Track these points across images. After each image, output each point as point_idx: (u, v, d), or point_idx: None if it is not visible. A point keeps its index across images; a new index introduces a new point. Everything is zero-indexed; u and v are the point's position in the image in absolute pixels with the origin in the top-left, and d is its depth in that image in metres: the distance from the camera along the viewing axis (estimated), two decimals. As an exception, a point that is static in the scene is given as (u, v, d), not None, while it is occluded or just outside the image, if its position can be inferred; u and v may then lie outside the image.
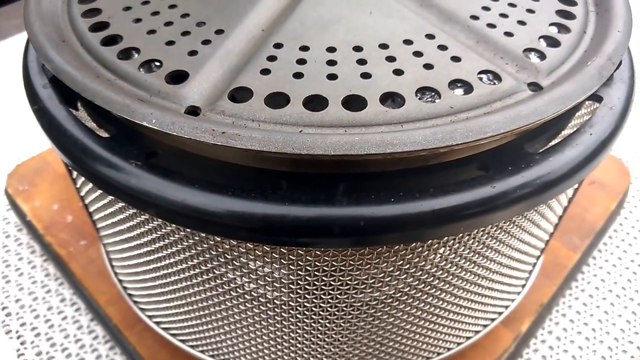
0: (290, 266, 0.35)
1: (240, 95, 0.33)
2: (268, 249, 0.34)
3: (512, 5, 0.40)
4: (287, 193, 0.30)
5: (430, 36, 0.37)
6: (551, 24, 0.39)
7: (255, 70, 0.34)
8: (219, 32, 0.37)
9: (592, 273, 0.67)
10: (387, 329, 0.42)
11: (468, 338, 0.49)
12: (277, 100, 0.32)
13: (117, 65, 0.35)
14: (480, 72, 0.34)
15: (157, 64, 0.35)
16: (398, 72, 0.34)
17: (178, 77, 0.34)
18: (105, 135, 0.35)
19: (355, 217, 0.30)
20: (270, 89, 0.32)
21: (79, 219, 0.63)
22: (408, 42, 0.36)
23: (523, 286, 0.53)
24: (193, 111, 0.32)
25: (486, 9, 0.40)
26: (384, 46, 0.36)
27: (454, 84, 0.33)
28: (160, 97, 0.33)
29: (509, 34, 0.37)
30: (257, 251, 0.35)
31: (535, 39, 0.37)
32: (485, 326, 0.49)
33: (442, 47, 0.36)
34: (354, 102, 0.32)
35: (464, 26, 0.38)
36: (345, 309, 0.39)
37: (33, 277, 0.64)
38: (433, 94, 0.33)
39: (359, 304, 0.38)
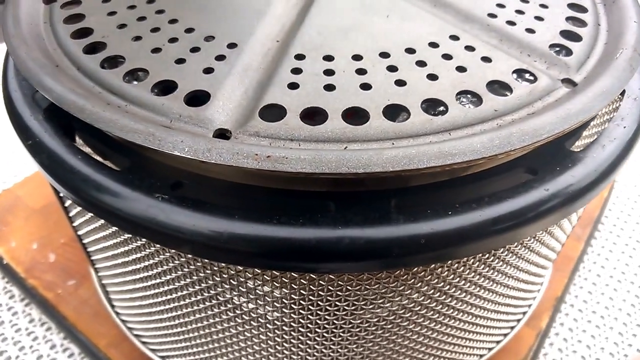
0: (302, 290, 0.32)
1: (271, 113, 0.30)
2: (278, 273, 0.32)
3: (524, 1, 0.40)
4: (338, 215, 0.28)
5: (454, 37, 0.35)
6: (567, 18, 0.38)
7: (282, 84, 0.31)
8: (232, 46, 0.34)
9: (591, 261, 0.68)
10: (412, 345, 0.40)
11: (498, 342, 0.48)
12: (313, 115, 0.30)
13: (125, 90, 0.31)
14: (515, 72, 0.33)
15: (171, 85, 0.31)
16: (432, 77, 0.32)
17: (198, 98, 0.31)
18: (115, 168, 0.32)
19: (416, 234, 0.27)
20: (304, 104, 0.30)
21: (62, 257, 0.58)
22: (434, 44, 0.35)
23: (542, 283, 0.52)
24: (222, 134, 0.29)
25: (501, 6, 0.39)
26: (410, 50, 0.34)
27: (491, 85, 0.32)
28: (183, 121, 0.29)
29: (530, 31, 0.36)
30: (265, 276, 0.32)
31: (556, 34, 0.36)
32: (512, 328, 0.49)
33: (469, 48, 0.35)
34: (394, 112, 0.30)
35: (484, 25, 0.37)
36: (367, 328, 0.37)
37: (16, 325, 0.58)
38: (474, 98, 0.31)
39: (384, 322, 0.36)
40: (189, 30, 0.35)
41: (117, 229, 0.34)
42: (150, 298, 0.40)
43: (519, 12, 0.38)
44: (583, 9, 0.40)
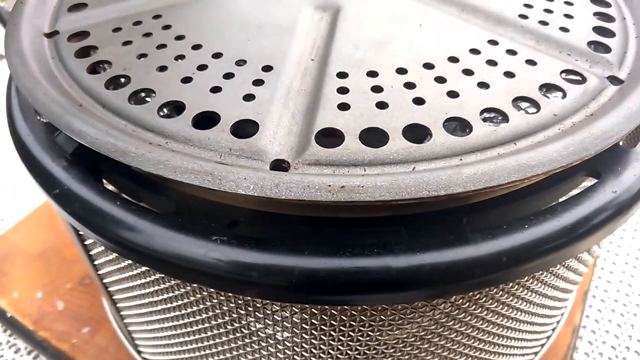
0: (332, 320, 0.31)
1: (326, 138, 0.28)
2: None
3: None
4: (413, 241, 0.26)
5: (493, 42, 0.34)
6: (595, 14, 0.38)
7: (332, 106, 0.29)
8: (267, 68, 0.32)
9: (604, 249, 0.69)
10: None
11: (542, 345, 0.47)
12: (372, 137, 0.28)
13: (163, 126, 0.29)
14: (562, 73, 0.32)
15: (212, 116, 0.29)
16: (483, 85, 0.31)
17: (244, 129, 0.29)
18: (156, 211, 0.29)
19: (497, 252, 0.26)
20: (361, 125, 0.28)
21: (71, 303, 0.55)
22: (475, 51, 0.33)
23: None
24: (279, 166, 0.27)
25: (528, 6, 0.38)
26: (453, 59, 0.33)
27: (544, 89, 0.31)
28: (234, 155, 0.27)
29: (564, 29, 0.36)
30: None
31: (590, 31, 0.36)
32: (554, 330, 0.48)
33: (511, 52, 0.34)
34: (454, 126, 0.29)
35: (517, 27, 0.36)
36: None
37: (27, 382, 0.54)
38: (530, 103, 0.30)
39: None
40: (217, 56, 0.33)
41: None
42: (185, 336, 0.37)
43: (548, 11, 0.38)
44: (607, 4, 0.39)
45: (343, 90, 0.30)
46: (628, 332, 0.60)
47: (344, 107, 0.29)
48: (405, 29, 0.35)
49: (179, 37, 0.35)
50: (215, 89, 0.31)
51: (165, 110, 0.30)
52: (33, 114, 0.34)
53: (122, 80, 0.32)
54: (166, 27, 0.36)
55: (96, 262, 0.38)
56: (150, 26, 0.36)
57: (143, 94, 0.31)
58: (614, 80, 0.32)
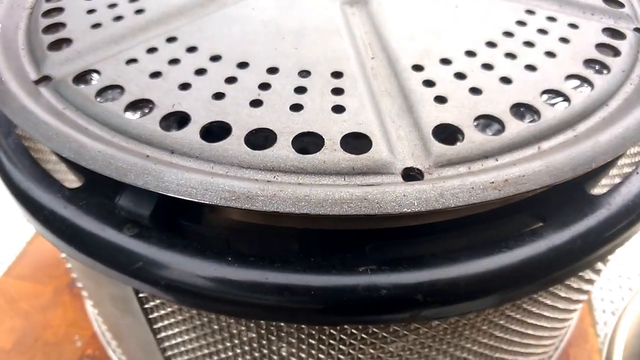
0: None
1: (442, 135, 0.26)
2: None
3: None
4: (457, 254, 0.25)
5: (530, 12, 0.35)
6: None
7: (429, 101, 0.28)
8: (337, 75, 0.29)
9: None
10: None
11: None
12: (487, 125, 0.27)
13: (267, 161, 0.25)
14: (603, 32, 0.34)
15: (316, 138, 0.26)
16: (550, 54, 0.31)
17: (352, 143, 0.26)
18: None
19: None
20: (469, 116, 0.27)
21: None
22: (521, 23, 0.34)
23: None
24: (410, 175, 0.25)
25: (533, -26, 0.39)
26: (508, 34, 0.32)
27: (599, 49, 0.32)
28: (360, 173, 0.24)
29: (576, -10, 0.37)
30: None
31: (596, -11, 0.38)
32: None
33: (551, 19, 0.34)
34: (548, 98, 0.29)
35: (536, -5, 0.37)
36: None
37: None
38: (598, 65, 0.31)
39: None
40: (273, 71, 0.30)
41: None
42: None
43: (551, -24, 0.39)
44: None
45: (429, 83, 0.29)
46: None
47: (441, 100, 0.28)
48: (445, 12, 0.34)
49: (215, 58, 0.31)
50: (297, 107, 0.27)
51: (262, 140, 0.26)
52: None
53: (144, 105, 0.27)
54: (192, 49, 0.31)
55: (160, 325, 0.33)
56: (170, 50, 0.31)
57: (182, 119, 0.27)
58: (638, 31, 0.35)
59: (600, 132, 0.26)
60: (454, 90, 0.28)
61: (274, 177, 0.24)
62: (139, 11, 0.35)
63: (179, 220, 0.26)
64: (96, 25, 0.34)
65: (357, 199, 0.22)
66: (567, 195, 0.27)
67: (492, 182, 0.23)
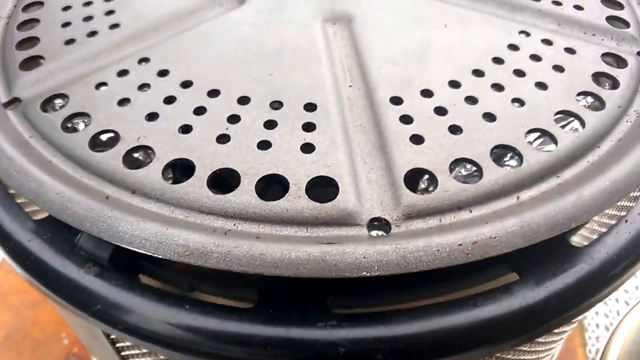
0: None
1: (412, 180, 0.25)
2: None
3: (547, -25, 0.38)
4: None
5: (524, 33, 0.33)
6: (595, -15, 0.37)
7: (404, 141, 0.26)
8: (310, 107, 0.28)
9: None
10: None
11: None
12: (467, 169, 0.26)
13: (224, 204, 0.24)
14: (602, 57, 0.31)
15: (280, 180, 0.25)
16: (541, 85, 0.29)
17: (318, 190, 0.25)
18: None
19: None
20: (447, 159, 0.25)
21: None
22: (514, 47, 0.31)
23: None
24: (377, 227, 0.23)
25: (534, -14, 0.37)
26: (498, 60, 0.30)
27: (596, 79, 0.30)
28: (323, 224, 0.23)
29: (578, 7, 0.35)
30: None
31: (601, 5, 0.35)
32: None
33: (547, 42, 0.32)
34: (535, 138, 0.27)
35: (534, 11, 0.34)
36: None
37: None
38: (592, 98, 0.29)
39: None
40: (244, 101, 0.28)
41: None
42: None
43: (553, -12, 0.36)
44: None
45: (407, 120, 0.27)
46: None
47: (417, 140, 0.26)
48: (432, 33, 0.32)
49: (186, 85, 0.29)
50: (265, 145, 0.26)
51: (213, 182, 0.25)
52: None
53: (146, 153, 0.26)
54: (163, 72, 0.30)
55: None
56: (141, 74, 0.30)
57: (188, 168, 0.26)
58: (643, 55, 0.32)
59: (586, 182, 0.24)
60: (433, 128, 0.27)
61: (234, 225, 0.23)
62: (114, 26, 0.33)
63: (139, 261, 0.26)
64: (70, 42, 0.33)
65: (315, 260, 0.21)
66: (546, 245, 0.26)
67: (460, 245, 0.21)
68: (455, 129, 0.27)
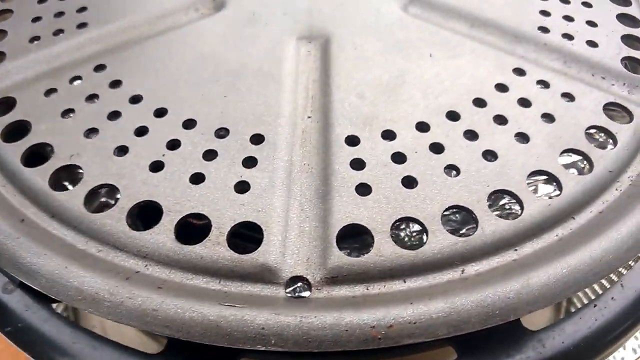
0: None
1: (349, 237, 0.23)
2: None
3: (564, 1, 0.33)
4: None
5: (519, 71, 0.29)
6: (619, 17, 0.33)
7: (349, 190, 0.23)
8: (257, 140, 0.25)
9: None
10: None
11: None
12: (411, 231, 0.23)
13: (138, 242, 0.22)
14: (605, 108, 0.27)
15: (204, 221, 0.23)
16: (523, 137, 0.25)
17: (242, 236, 0.23)
18: None
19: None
20: (390, 217, 0.22)
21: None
22: (502, 87, 0.28)
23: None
24: (296, 287, 0.21)
25: (545, 13, 0.32)
26: (480, 103, 0.27)
27: (590, 134, 0.26)
28: (238, 279, 0.21)
29: (592, 44, 0.31)
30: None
31: (619, 43, 0.31)
32: None
33: (543, 84, 0.28)
34: (499, 202, 0.24)
35: (539, 44, 0.30)
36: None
37: None
38: (580, 157, 0.25)
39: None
40: (189, 125, 0.26)
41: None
42: None
43: (568, 18, 0.32)
44: (626, 1, 0.34)
45: (358, 165, 0.24)
46: None
47: (364, 190, 0.23)
48: (414, 64, 0.29)
49: (135, 100, 0.28)
50: (197, 179, 0.24)
51: (132, 216, 0.23)
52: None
53: (77, 173, 0.25)
54: (115, 83, 0.28)
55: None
56: (93, 83, 0.29)
57: (101, 193, 0.24)
58: (658, 108, 0.28)
59: (544, 263, 0.21)
60: (384, 178, 0.24)
61: (145, 267, 0.22)
62: (82, 25, 0.32)
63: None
64: (34, 39, 0.31)
65: (209, 324, 0.19)
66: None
67: (373, 327, 0.19)
68: (409, 182, 0.24)
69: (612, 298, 0.23)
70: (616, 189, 0.24)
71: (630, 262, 0.26)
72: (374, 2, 0.33)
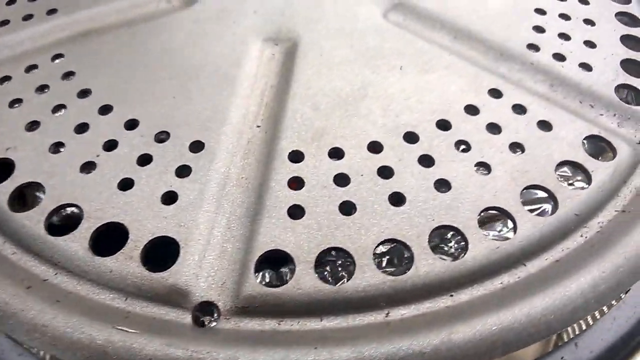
0: None
1: (270, 264, 0.21)
2: None
3: (564, 16, 0.30)
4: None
5: (495, 93, 0.26)
6: (623, 38, 0.30)
7: (280, 212, 0.22)
8: (196, 147, 0.24)
9: None
10: None
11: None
12: (327, 263, 0.21)
13: (50, 247, 0.21)
14: (585, 141, 0.25)
15: (121, 231, 0.21)
16: (484, 167, 0.23)
17: (158, 251, 0.21)
18: None
19: None
20: (318, 246, 0.21)
21: None
22: (472, 109, 0.25)
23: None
24: (204, 312, 0.20)
25: (539, 30, 0.30)
26: (444, 125, 0.25)
27: (561, 171, 0.24)
28: (144, 298, 0.20)
29: (586, 67, 0.28)
30: None
31: (618, 68, 0.28)
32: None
33: (519, 109, 0.26)
34: (442, 239, 0.22)
35: (526, 63, 0.28)
36: None
37: None
38: (544, 194, 0.23)
39: None
40: (131, 125, 0.25)
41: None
42: None
43: (564, 37, 0.29)
44: (636, 20, 0.31)
45: (297, 184, 0.23)
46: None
47: (296, 212, 0.22)
48: (380, 76, 0.27)
49: (84, 93, 0.26)
50: (126, 184, 0.23)
51: (54, 219, 0.22)
52: None
53: (10, 168, 0.24)
54: (68, 74, 0.27)
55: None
56: (47, 72, 0.28)
57: (26, 191, 0.23)
58: (647, 146, 0.25)
59: (475, 314, 0.19)
60: (321, 201, 0.22)
61: (55, 275, 0.21)
62: (52, 11, 0.31)
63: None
64: (4, 23, 0.31)
65: (95, 348, 0.18)
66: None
67: (273, 371, 0.17)
68: (348, 208, 0.22)
69: (562, 358, 0.21)
70: (581, 235, 0.22)
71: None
72: (353, 6, 0.30)
